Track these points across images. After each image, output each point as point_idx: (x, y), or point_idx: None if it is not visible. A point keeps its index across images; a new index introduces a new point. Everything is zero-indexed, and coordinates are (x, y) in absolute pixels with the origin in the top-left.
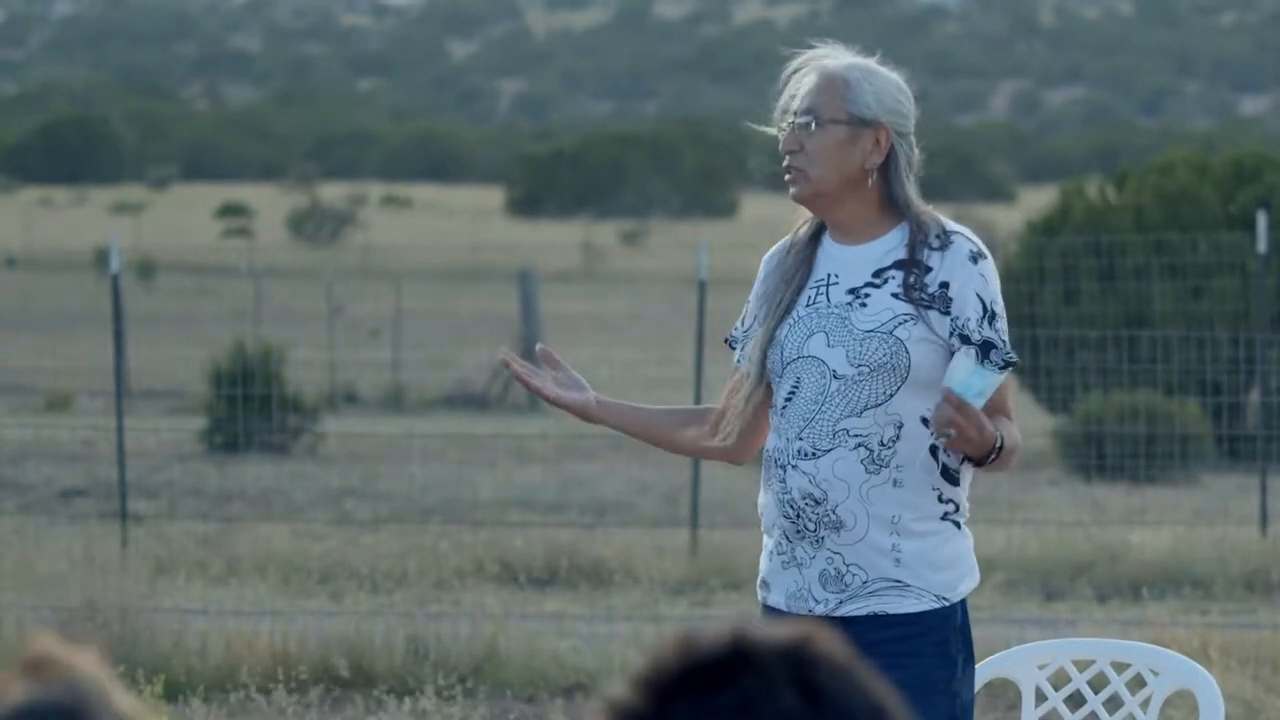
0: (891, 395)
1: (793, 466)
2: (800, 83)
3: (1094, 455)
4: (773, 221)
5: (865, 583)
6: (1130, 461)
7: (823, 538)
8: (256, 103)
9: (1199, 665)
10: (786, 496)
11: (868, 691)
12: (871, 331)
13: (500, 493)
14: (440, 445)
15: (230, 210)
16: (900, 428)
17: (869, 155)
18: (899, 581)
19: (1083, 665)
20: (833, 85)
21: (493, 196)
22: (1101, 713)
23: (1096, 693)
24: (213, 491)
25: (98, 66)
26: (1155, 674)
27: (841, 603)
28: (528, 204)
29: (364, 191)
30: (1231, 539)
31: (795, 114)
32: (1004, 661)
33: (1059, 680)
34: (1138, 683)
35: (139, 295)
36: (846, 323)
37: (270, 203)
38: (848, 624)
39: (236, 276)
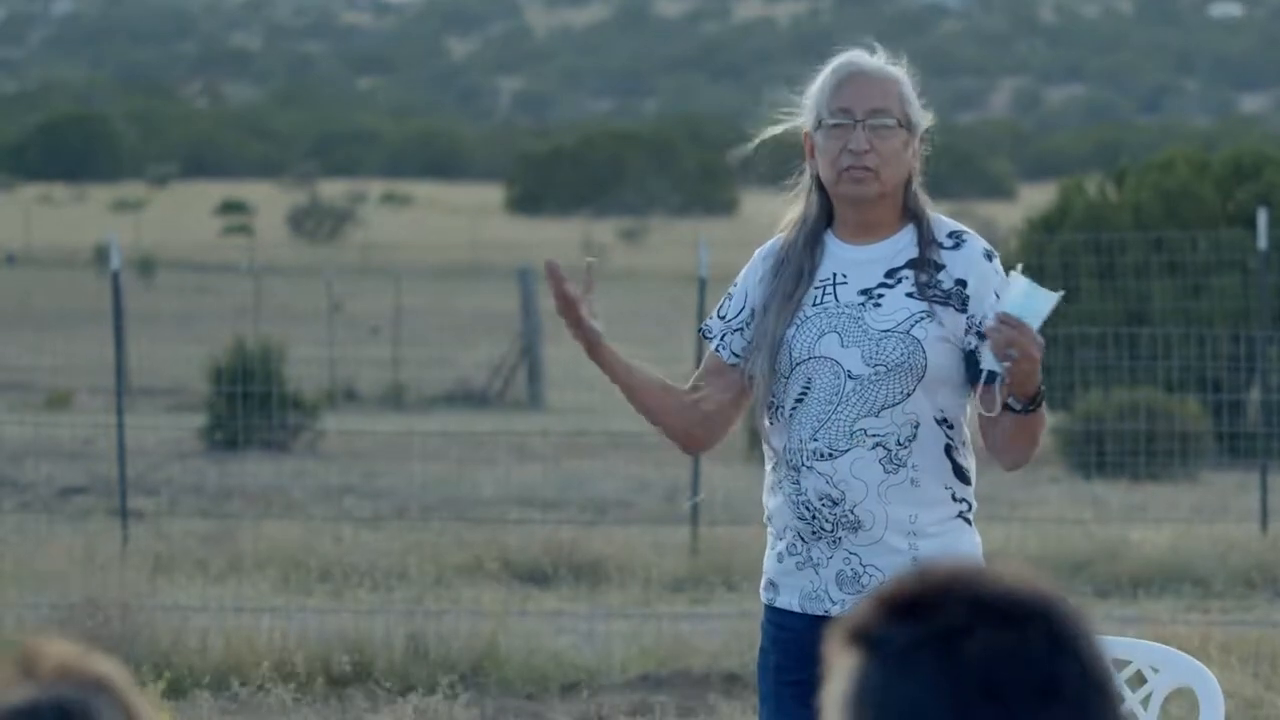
0: (908, 395)
1: (807, 468)
2: (854, 83)
3: (1094, 453)
4: (772, 219)
5: (882, 583)
6: (1130, 459)
7: (840, 538)
8: (256, 101)
9: (1199, 662)
10: (801, 498)
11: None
12: (888, 331)
13: (500, 490)
14: (440, 443)
15: (230, 208)
16: (917, 427)
17: (914, 159)
18: None
19: None
20: (894, 88)
21: (493, 194)
22: None
23: None
24: (213, 489)
25: (98, 64)
26: (1155, 671)
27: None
28: (527, 202)
29: (364, 189)
30: (1231, 536)
31: (865, 114)
32: None
33: None
34: (1138, 680)
35: (139, 293)
36: (860, 323)
37: (270, 200)
38: None
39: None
